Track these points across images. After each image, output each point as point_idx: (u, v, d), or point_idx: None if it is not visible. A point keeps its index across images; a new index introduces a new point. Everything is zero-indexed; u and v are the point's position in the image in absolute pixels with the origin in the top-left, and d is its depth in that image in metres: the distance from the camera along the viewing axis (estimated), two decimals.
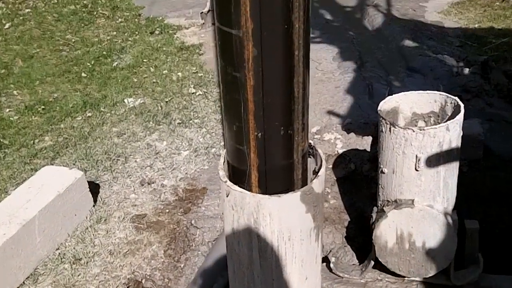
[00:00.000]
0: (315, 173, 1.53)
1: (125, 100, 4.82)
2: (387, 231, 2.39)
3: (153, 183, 3.56)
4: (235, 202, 1.43)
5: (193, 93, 4.92)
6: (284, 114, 1.32)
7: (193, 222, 3.15)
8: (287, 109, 1.32)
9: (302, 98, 1.34)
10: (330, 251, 2.82)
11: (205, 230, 3.07)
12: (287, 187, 1.42)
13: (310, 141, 1.51)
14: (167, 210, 3.28)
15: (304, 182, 1.48)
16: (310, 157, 1.56)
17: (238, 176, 1.43)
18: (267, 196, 1.38)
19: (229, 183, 1.44)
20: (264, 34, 1.22)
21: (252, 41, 1.22)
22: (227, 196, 1.45)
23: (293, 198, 1.40)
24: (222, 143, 4.01)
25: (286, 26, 1.22)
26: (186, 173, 3.66)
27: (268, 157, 1.36)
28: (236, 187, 1.41)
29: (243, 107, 1.30)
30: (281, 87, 1.29)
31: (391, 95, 2.48)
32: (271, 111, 1.30)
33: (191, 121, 4.37)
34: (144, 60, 5.79)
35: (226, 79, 1.33)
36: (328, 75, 5.09)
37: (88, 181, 3.30)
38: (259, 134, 1.32)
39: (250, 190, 1.41)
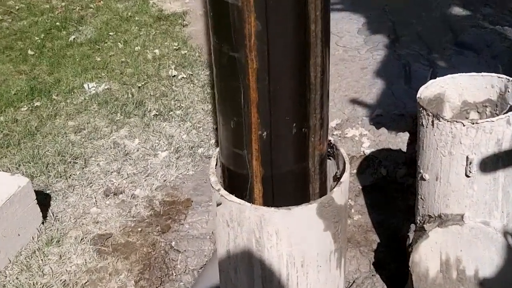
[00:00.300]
0: (337, 179, 1.54)
1: (85, 85, 4.82)
2: (428, 255, 2.39)
3: (121, 193, 3.57)
4: (231, 216, 1.45)
5: (174, 76, 4.93)
6: (297, 107, 1.34)
7: (173, 244, 3.15)
8: (301, 99, 1.33)
9: (321, 84, 1.35)
10: (354, 281, 2.82)
11: (189, 255, 3.08)
12: (300, 198, 1.44)
13: (329, 138, 1.53)
14: (140, 229, 3.29)
15: (322, 192, 1.50)
16: (330, 159, 1.58)
17: (235, 183, 1.45)
18: (273, 209, 1.39)
19: (223, 191, 1.45)
20: (270, 2, 1.22)
21: (255, 12, 1.22)
22: (219, 209, 1.46)
23: (307, 212, 1.41)
24: (212, 141, 4.02)
25: None
26: (164, 181, 3.66)
27: (275, 163, 1.38)
28: (233, 197, 1.43)
29: (243, 97, 1.31)
30: (293, 70, 1.30)
31: (435, 78, 2.49)
32: (280, 103, 1.31)
33: (171, 113, 4.38)
34: (110, 34, 5.79)
35: (221, 61, 1.33)
36: (352, 53, 5.10)
37: (35, 191, 3.30)
38: (264, 134, 1.33)
39: (251, 201, 1.43)
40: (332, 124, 3.84)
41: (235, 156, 1.40)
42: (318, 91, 1.34)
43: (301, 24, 1.27)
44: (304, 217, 1.41)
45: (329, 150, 1.56)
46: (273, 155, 1.36)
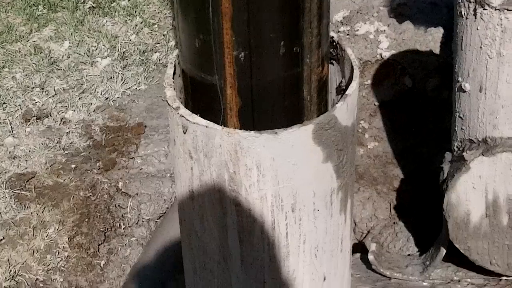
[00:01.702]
0: (341, 91, 1.57)
1: None
2: (469, 195, 2.45)
3: (46, 117, 3.55)
4: (194, 145, 1.45)
5: None
6: (286, 19, 1.34)
7: (120, 185, 3.17)
8: (292, 9, 1.33)
9: None
10: (369, 232, 2.95)
11: (142, 200, 3.11)
12: (290, 118, 1.45)
13: (332, 34, 1.58)
14: (74, 166, 3.27)
15: (321, 109, 1.52)
16: (332, 63, 1.61)
17: (202, 99, 1.47)
18: (253, 133, 1.40)
19: (183, 110, 1.44)
20: None
21: None
22: (184, 134, 1.46)
23: (300, 137, 1.41)
24: (172, 43, 3.97)
25: None
26: (106, 99, 3.67)
27: (256, 93, 1.41)
28: (198, 118, 1.43)
29: (212, 6, 1.31)
30: None
31: None
32: (262, 14, 1.32)
33: (114, 4, 4.36)
34: None
35: None
36: None
37: None
38: (241, 55, 1.35)
39: (224, 124, 1.44)
40: (337, 17, 3.82)
41: (203, 83, 1.43)
42: None
43: None
44: (296, 144, 1.41)
45: (331, 51, 1.57)
46: (254, 82, 1.38)
